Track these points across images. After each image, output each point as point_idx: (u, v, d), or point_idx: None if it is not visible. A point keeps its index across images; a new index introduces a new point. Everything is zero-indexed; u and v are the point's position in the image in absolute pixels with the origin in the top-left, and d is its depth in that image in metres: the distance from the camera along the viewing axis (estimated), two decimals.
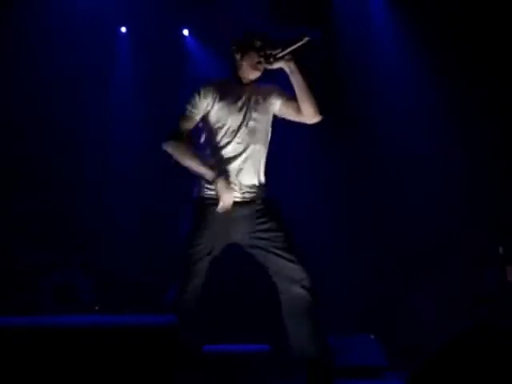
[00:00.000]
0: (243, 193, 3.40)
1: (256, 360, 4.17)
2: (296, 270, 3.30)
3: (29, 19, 6.54)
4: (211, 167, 3.34)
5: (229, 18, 6.72)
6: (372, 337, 5.51)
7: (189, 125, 3.45)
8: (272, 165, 3.60)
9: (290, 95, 3.57)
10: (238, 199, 3.37)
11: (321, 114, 3.53)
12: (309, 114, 3.52)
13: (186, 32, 7.33)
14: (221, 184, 3.27)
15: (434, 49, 6.53)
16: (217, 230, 3.33)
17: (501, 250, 6.07)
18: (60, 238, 6.05)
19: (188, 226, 3.35)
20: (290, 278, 3.29)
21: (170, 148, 3.48)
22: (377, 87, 6.70)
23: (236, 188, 3.38)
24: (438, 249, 6.32)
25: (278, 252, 3.32)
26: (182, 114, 3.46)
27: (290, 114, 3.59)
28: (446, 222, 6.36)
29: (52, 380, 2.32)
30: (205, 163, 3.36)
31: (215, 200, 3.33)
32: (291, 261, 3.31)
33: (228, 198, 3.27)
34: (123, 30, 7.20)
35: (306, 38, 3.31)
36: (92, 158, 6.71)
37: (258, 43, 3.47)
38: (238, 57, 3.51)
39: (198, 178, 3.43)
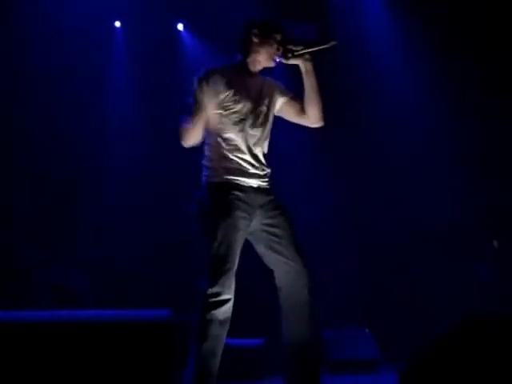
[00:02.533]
0: (260, 182, 3.32)
1: (251, 353, 4.19)
2: (299, 271, 3.24)
3: (23, 15, 6.52)
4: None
5: (224, 12, 6.72)
6: (367, 330, 5.54)
7: (199, 114, 3.29)
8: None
9: (293, 94, 3.48)
10: (253, 184, 3.30)
11: (324, 119, 3.45)
12: (313, 117, 3.44)
13: (180, 26, 7.32)
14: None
15: (431, 47, 6.55)
16: (242, 214, 3.23)
17: (495, 243, 6.11)
18: (55, 236, 6.05)
19: (213, 214, 3.21)
20: (292, 277, 3.24)
21: (180, 135, 3.32)
22: (373, 86, 6.71)
23: (247, 168, 3.29)
24: (431, 242, 6.35)
25: (283, 249, 3.26)
26: (191, 105, 3.33)
27: (290, 114, 3.50)
28: (440, 215, 6.39)
29: (47, 374, 2.33)
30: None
31: (232, 185, 3.26)
32: (295, 260, 3.25)
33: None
34: (117, 24, 7.19)
35: (332, 43, 3.27)
36: (87, 154, 6.70)
37: (279, 36, 3.34)
38: (256, 41, 3.35)
39: (210, 163, 3.32)
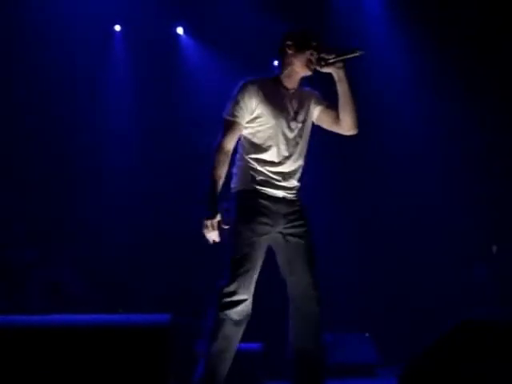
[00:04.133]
0: (283, 186, 3.35)
1: (249, 358, 4.18)
2: (310, 283, 3.28)
3: (23, 19, 6.53)
4: (213, 204, 3.26)
5: (223, 16, 6.73)
6: (366, 335, 5.53)
7: (236, 132, 3.34)
8: None
9: (329, 103, 3.49)
10: (279, 195, 3.34)
11: (358, 127, 3.45)
12: (347, 126, 3.44)
13: (180, 30, 7.33)
14: (208, 223, 3.22)
15: (430, 46, 6.56)
16: (265, 220, 3.28)
17: (494, 249, 6.10)
18: (50, 235, 6.05)
19: (239, 218, 3.25)
20: (305, 290, 3.28)
21: (214, 159, 3.31)
22: (374, 87, 6.71)
23: (277, 181, 3.32)
24: (431, 246, 6.35)
25: (298, 260, 3.30)
26: (229, 118, 3.33)
27: (326, 122, 3.50)
28: (440, 217, 6.40)
29: (43, 380, 2.32)
30: (216, 196, 3.27)
31: (258, 193, 3.31)
32: (308, 273, 3.29)
33: (210, 237, 3.25)
34: (117, 28, 7.19)
35: (361, 52, 3.29)
36: (86, 155, 6.71)
37: (314, 43, 3.37)
38: (290, 52, 3.38)
39: (240, 172, 3.36)
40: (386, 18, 7.00)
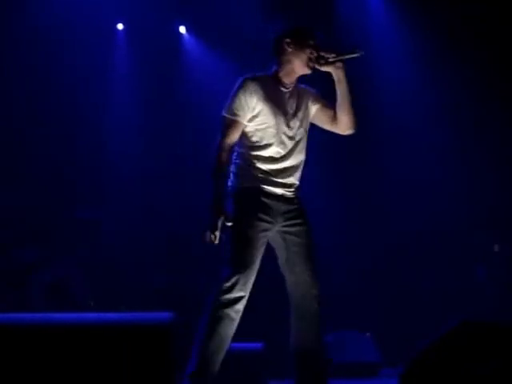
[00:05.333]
0: (282, 183, 3.34)
1: (250, 358, 4.17)
2: (309, 283, 3.29)
3: (26, 18, 6.54)
4: (220, 206, 3.24)
5: (226, 15, 6.73)
6: (368, 334, 5.53)
7: (238, 131, 3.31)
8: None
9: (327, 101, 3.47)
10: (278, 192, 3.32)
11: (356, 127, 3.46)
12: (344, 126, 3.44)
13: (183, 29, 7.33)
14: (214, 225, 3.20)
15: (434, 49, 6.56)
16: (265, 217, 3.27)
17: (496, 247, 6.10)
18: (53, 235, 6.05)
19: (243, 215, 3.24)
20: (303, 288, 3.28)
21: (216, 159, 3.29)
22: (377, 87, 6.71)
23: (276, 179, 3.31)
24: (432, 246, 6.35)
25: (297, 259, 3.30)
26: (230, 117, 3.30)
27: (323, 121, 3.48)
28: (441, 219, 6.39)
29: (44, 379, 2.32)
30: (222, 196, 3.26)
31: (257, 190, 3.30)
32: (307, 272, 3.29)
33: (211, 238, 3.21)
34: (120, 27, 7.19)
35: (361, 52, 3.29)
36: (89, 154, 6.71)
37: (312, 41, 3.34)
38: (289, 50, 3.34)
39: (239, 171, 3.36)
40: (390, 16, 7.00)
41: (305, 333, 3.28)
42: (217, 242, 3.23)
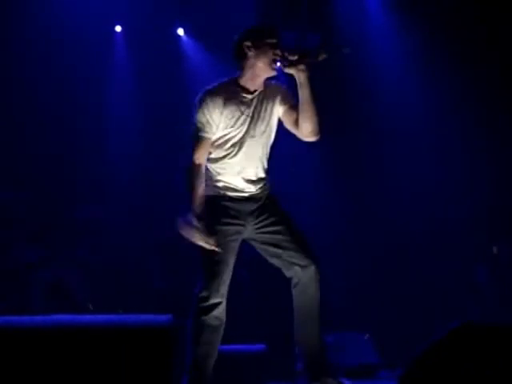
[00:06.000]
0: (247, 190, 3.30)
1: (252, 359, 4.18)
2: (305, 258, 3.24)
3: (25, 19, 6.54)
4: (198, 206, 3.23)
5: (224, 17, 6.73)
6: (367, 336, 5.53)
7: (207, 147, 3.25)
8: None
9: (293, 103, 3.30)
10: (244, 195, 3.28)
11: (319, 134, 3.30)
12: (305, 131, 3.29)
13: (181, 31, 7.33)
14: (198, 229, 3.17)
15: (432, 48, 6.56)
16: (233, 221, 3.25)
17: (495, 249, 6.11)
18: (52, 235, 6.05)
19: (209, 223, 3.20)
20: (300, 266, 3.23)
21: (190, 178, 3.26)
22: (375, 87, 6.72)
23: (239, 187, 3.28)
24: (432, 247, 6.35)
25: (285, 244, 3.25)
26: (197, 135, 3.24)
27: (287, 124, 3.34)
28: (441, 219, 6.40)
29: (44, 381, 2.33)
30: (198, 198, 3.24)
31: (223, 197, 3.28)
32: (300, 250, 3.25)
33: (195, 238, 3.18)
34: (118, 29, 7.20)
35: (327, 55, 3.09)
36: (88, 156, 6.72)
37: (274, 40, 3.18)
38: (251, 54, 3.19)
39: (207, 179, 3.30)
40: (388, 17, 7.00)
41: (308, 321, 3.26)
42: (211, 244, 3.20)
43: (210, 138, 3.25)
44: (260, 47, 3.19)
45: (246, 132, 3.24)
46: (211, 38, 7.03)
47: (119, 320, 2.65)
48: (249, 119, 3.24)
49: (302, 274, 3.25)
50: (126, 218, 6.61)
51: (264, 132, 3.29)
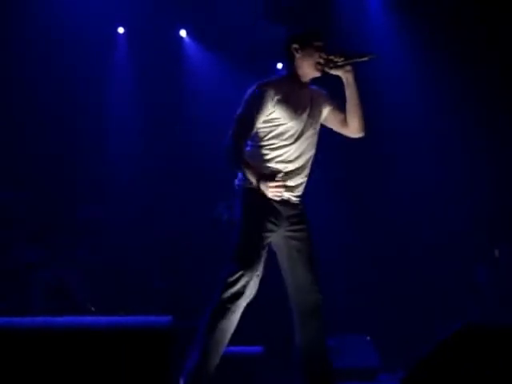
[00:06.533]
0: (291, 194, 3.36)
1: (250, 361, 4.17)
2: (313, 287, 3.32)
3: (27, 21, 6.53)
4: (255, 170, 3.24)
5: (226, 19, 6.73)
6: (368, 338, 5.51)
7: (250, 131, 3.31)
8: None
9: (337, 104, 3.50)
10: (285, 198, 3.33)
11: (365, 131, 3.48)
12: (354, 129, 3.46)
13: (183, 33, 7.33)
14: (263, 186, 3.19)
15: (432, 48, 6.56)
16: (272, 219, 3.29)
17: (496, 253, 6.10)
18: (52, 235, 6.04)
19: (247, 214, 3.27)
20: (307, 292, 3.31)
21: (229, 154, 3.29)
22: (375, 87, 6.70)
23: (284, 189, 3.28)
24: (432, 247, 6.35)
25: (299, 264, 3.32)
26: (244, 118, 3.30)
27: (333, 123, 3.51)
28: (441, 220, 6.40)
29: (44, 382, 2.32)
30: (250, 166, 3.26)
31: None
32: (310, 276, 3.32)
33: (274, 193, 3.21)
34: (121, 30, 7.19)
35: (371, 56, 3.31)
36: (89, 157, 6.71)
37: (320, 43, 3.37)
38: (298, 55, 3.37)
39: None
40: (389, 17, 7.00)
41: (309, 337, 3.30)
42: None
43: (256, 123, 3.30)
44: (307, 50, 3.37)
45: (302, 123, 3.35)
46: (214, 40, 7.04)
47: (119, 321, 2.63)
48: (303, 111, 3.36)
49: (303, 298, 3.32)
50: (126, 218, 6.61)
51: (314, 128, 3.41)
